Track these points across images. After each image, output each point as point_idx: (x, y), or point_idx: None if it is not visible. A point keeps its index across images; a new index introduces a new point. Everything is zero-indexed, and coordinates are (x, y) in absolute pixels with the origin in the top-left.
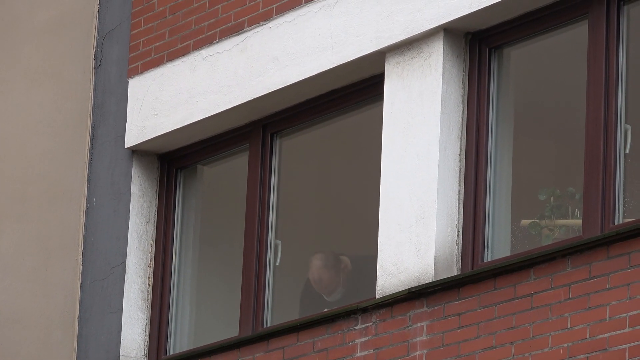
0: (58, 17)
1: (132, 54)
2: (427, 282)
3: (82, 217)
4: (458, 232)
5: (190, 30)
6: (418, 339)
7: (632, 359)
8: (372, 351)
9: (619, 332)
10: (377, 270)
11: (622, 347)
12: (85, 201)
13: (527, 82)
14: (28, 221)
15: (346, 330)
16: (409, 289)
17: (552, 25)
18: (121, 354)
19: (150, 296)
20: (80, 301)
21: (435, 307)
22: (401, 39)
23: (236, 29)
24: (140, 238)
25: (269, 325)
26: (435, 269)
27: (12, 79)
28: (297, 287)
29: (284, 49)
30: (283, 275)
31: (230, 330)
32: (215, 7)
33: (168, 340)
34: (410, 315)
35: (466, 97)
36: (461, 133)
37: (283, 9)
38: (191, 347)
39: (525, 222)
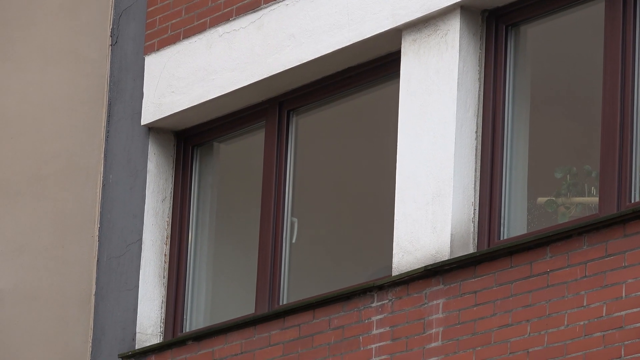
0: None
1: (148, 31)
2: (443, 259)
3: (98, 194)
4: (474, 209)
5: (206, 8)
6: (434, 316)
7: None
8: (388, 328)
9: (635, 310)
10: (393, 248)
11: (638, 325)
12: (102, 178)
13: (543, 59)
14: (44, 198)
15: (362, 307)
16: (425, 266)
17: (569, 3)
18: (137, 331)
19: (166, 273)
20: (97, 278)
21: (452, 285)
22: (418, 16)
23: (253, 6)
24: (157, 215)
25: (285, 302)
26: (451, 246)
27: (28, 57)
28: (313, 265)
29: (300, 26)
30: (299, 253)
31: (246, 308)
32: None
33: (184, 317)
34: (426, 292)
35: (483, 74)
36: (478, 111)
37: None
38: (207, 325)
39: (541, 199)
